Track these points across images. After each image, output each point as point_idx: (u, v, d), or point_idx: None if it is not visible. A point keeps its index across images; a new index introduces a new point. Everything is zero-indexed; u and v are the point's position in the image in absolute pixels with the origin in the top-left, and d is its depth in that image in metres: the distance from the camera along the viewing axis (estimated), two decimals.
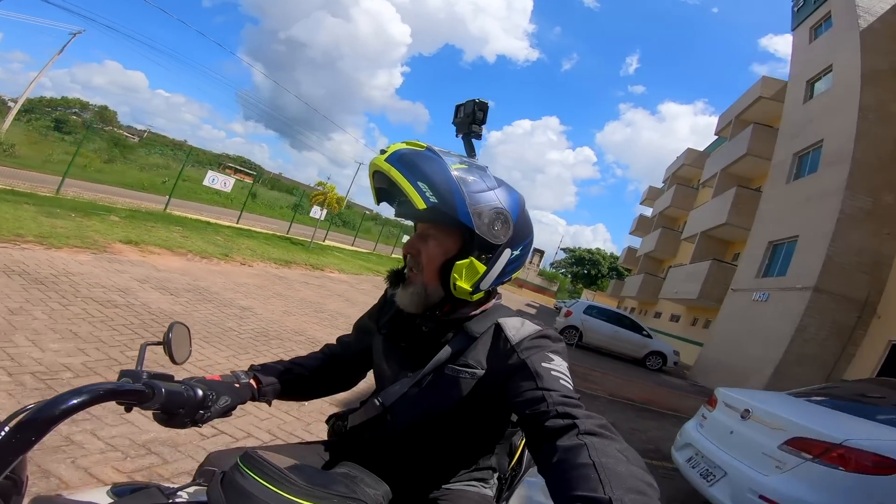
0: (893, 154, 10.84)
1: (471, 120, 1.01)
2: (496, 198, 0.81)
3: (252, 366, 0.94)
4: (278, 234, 15.11)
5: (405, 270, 0.89)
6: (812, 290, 10.68)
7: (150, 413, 0.69)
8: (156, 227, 8.11)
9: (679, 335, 19.95)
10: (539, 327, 0.84)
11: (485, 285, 0.84)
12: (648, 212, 39.13)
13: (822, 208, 11.34)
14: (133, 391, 0.61)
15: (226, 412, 0.79)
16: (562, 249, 77.58)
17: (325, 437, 1.03)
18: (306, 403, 2.97)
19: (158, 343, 0.80)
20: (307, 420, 2.82)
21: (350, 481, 0.69)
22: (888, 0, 12.07)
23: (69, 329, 3.10)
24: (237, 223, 13.59)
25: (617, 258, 64.48)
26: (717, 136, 25.03)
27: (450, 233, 0.83)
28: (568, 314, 13.49)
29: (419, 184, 0.76)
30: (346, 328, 1.13)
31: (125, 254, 5.87)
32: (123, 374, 0.66)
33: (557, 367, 0.76)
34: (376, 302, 1.06)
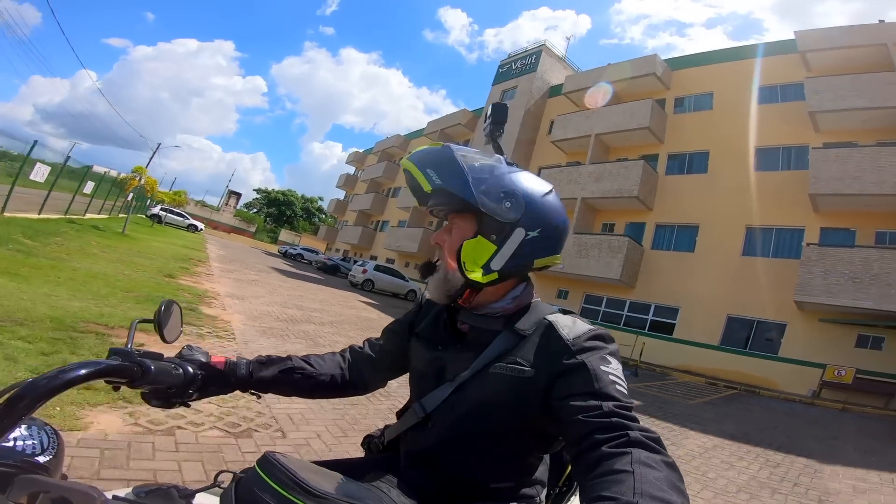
0: None
1: (493, 121, 1.05)
2: (507, 179, 0.82)
3: (259, 357, 0.91)
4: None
5: (433, 261, 0.90)
6: None
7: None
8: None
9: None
10: (591, 326, 0.80)
11: (496, 265, 0.82)
12: (352, 170, 47.86)
13: None
14: (123, 370, 0.60)
15: (213, 394, 0.80)
16: (255, 190, 76.39)
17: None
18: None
19: (149, 321, 0.79)
20: None
21: (374, 493, 0.66)
22: (545, 89, 23.71)
23: None
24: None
25: (310, 200, 70.77)
26: (425, 136, 35.23)
27: (467, 218, 0.84)
28: (364, 271, 20.12)
29: (427, 170, 0.82)
30: None
31: None
32: (113, 352, 0.65)
33: (614, 370, 0.72)
34: (412, 308, 1.06)
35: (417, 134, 36.89)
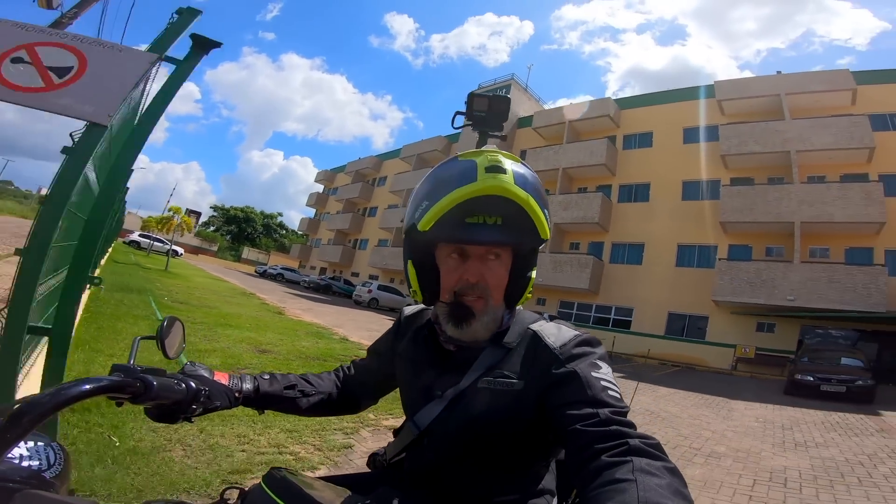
0: None
1: (492, 113, 0.87)
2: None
3: (262, 373, 0.92)
4: None
5: (464, 301, 0.79)
6: None
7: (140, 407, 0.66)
8: None
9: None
10: (577, 332, 0.80)
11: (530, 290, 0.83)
12: (320, 188, 49.53)
13: None
14: (125, 386, 0.60)
15: (216, 409, 0.78)
16: (211, 207, 74.44)
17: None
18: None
19: (151, 337, 0.80)
20: None
21: None
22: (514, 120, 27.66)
23: None
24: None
25: (270, 216, 70.45)
26: (402, 161, 37.80)
27: (506, 249, 0.80)
28: (369, 291, 22.89)
29: (545, 211, 0.75)
30: None
31: None
32: (115, 368, 0.65)
33: (605, 374, 0.71)
34: (390, 327, 1.04)
35: (391, 155, 39.52)
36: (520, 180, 0.73)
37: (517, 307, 0.87)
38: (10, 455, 0.50)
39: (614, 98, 24.25)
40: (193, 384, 0.71)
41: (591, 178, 23.06)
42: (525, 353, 0.80)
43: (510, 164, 0.74)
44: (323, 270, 40.41)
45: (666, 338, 18.54)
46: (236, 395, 0.83)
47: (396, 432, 0.92)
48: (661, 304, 18.98)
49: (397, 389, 1.00)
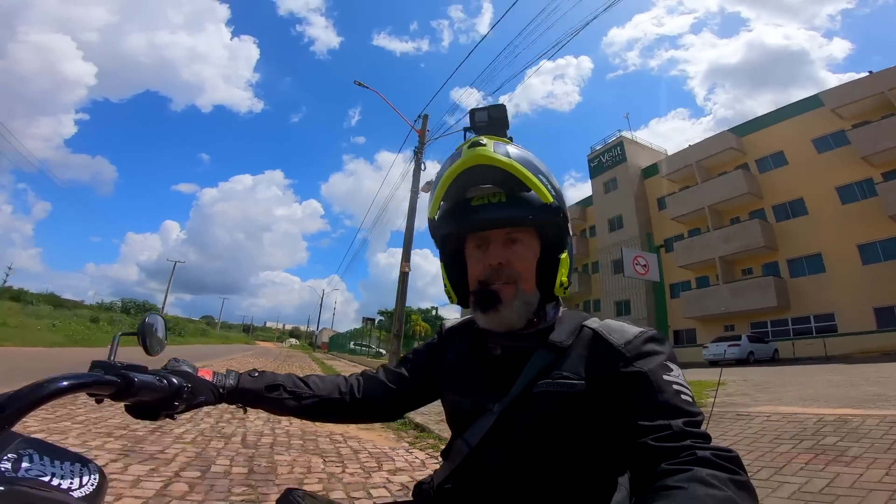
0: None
1: (492, 123, 0.88)
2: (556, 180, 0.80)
3: (250, 370, 0.88)
4: None
5: (491, 287, 0.78)
6: None
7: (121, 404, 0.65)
8: None
9: None
10: (641, 328, 0.74)
11: (569, 277, 0.81)
12: None
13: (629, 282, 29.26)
14: (106, 382, 0.59)
15: (199, 406, 0.76)
16: (378, 312, 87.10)
17: None
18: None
19: (133, 333, 0.79)
20: None
21: None
22: (638, 172, 31.43)
23: None
24: None
25: (425, 311, 79.53)
26: None
27: (529, 231, 0.80)
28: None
29: (541, 177, 0.76)
30: None
31: None
32: (95, 364, 0.64)
33: (676, 377, 0.66)
34: (429, 340, 1.01)
35: (590, 202, 44.62)
36: (501, 150, 0.75)
37: (562, 307, 0.85)
38: (37, 472, 0.47)
39: (729, 129, 27.14)
40: (176, 380, 0.70)
41: (739, 207, 25.58)
42: (585, 352, 0.74)
43: (492, 141, 0.76)
44: None
45: (882, 331, 19.17)
46: (220, 390, 0.80)
47: (445, 455, 0.84)
48: (863, 301, 20.00)
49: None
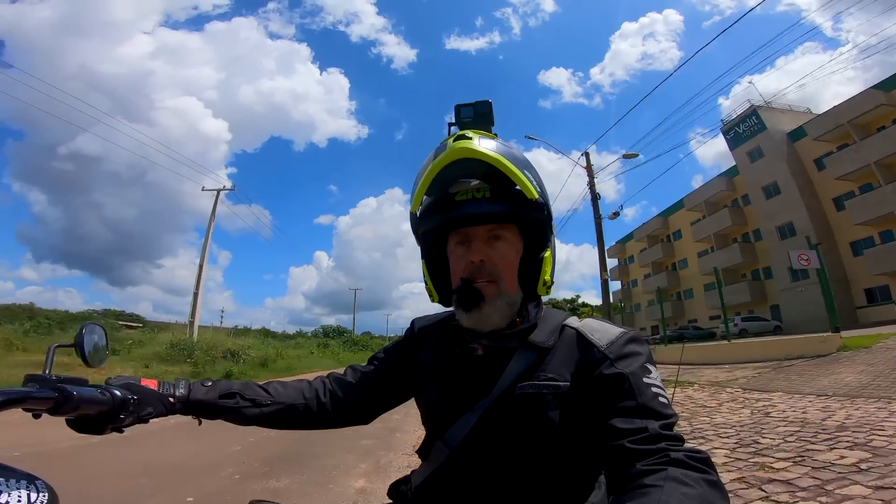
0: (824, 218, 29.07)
1: (477, 118, 0.88)
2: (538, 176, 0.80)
3: (203, 380, 0.85)
4: None
5: (473, 285, 0.77)
6: None
7: (61, 419, 0.63)
8: None
9: None
10: (623, 329, 0.76)
11: (552, 276, 0.81)
12: (615, 262, 57.53)
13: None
14: (41, 397, 0.57)
15: (146, 418, 0.74)
16: None
17: None
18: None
19: (70, 345, 0.74)
20: None
21: None
22: (784, 138, 30.93)
23: None
24: None
25: (570, 300, 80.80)
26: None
27: (511, 229, 0.80)
28: (736, 325, 28.56)
29: (526, 172, 0.75)
30: None
31: None
32: (29, 378, 0.62)
33: (655, 380, 0.69)
34: (399, 338, 0.99)
35: (674, 209, 44.85)
36: (487, 144, 0.74)
37: (544, 306, 0.85)
38: None
39: (873, 87, 25.94)
40: (119, 392, 0.68)
41: None
42: (567, 351, 0.76)
43: (477, 135, 0.76)
44: (654, 328, 46.27)
45: None
46: (170, 400, 0.77)
47: (423, 455, 0.83)
48: None
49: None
